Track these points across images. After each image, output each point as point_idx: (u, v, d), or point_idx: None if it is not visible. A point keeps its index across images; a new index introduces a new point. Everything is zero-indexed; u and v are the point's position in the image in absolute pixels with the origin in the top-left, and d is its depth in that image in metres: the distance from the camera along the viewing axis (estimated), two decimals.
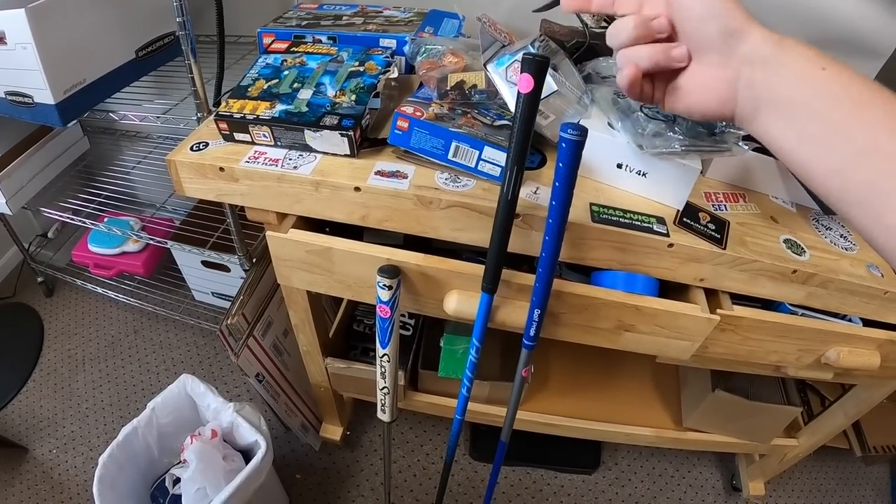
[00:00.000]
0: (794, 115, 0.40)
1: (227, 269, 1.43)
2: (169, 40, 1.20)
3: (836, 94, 0.37)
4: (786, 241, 0.75)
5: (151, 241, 1.40)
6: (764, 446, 1.18)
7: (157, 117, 1.07)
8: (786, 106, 0.40)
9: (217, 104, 0.97)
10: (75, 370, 1.55)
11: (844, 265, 0.75)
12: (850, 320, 0.84)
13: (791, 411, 1.08)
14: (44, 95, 0.99)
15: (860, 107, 0.36)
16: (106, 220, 1.52)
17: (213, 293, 1.56)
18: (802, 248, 0.75)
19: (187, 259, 1.47)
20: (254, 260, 1.25)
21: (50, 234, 1.72)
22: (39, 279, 1.71)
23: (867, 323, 0.82)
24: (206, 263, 1.44)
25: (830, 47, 0.97)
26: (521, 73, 0.53)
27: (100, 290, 1.64)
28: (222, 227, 1.35)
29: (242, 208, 0.77)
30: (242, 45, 1.27)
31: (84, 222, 1.42)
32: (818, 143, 0.38)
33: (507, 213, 0.60)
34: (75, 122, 1.33)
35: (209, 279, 1.51)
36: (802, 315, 0.81)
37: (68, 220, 1.45)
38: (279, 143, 0.72)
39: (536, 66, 0.53)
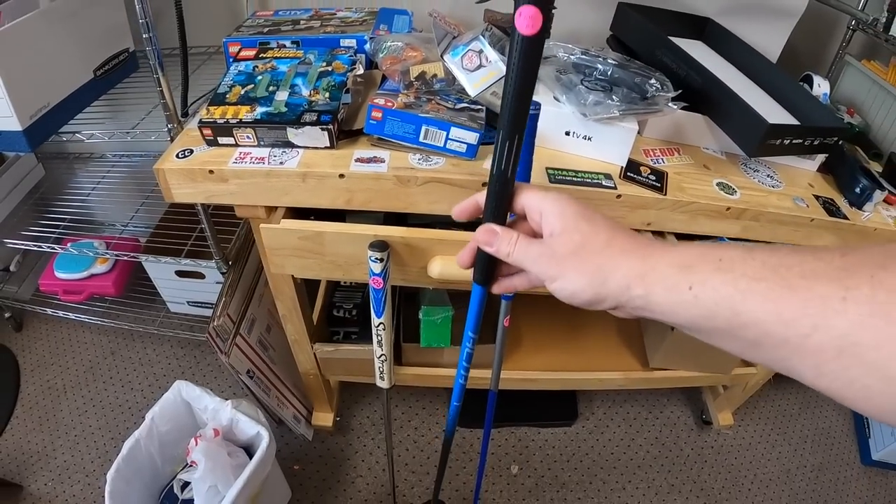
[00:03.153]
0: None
1: (201, 277, 1.46)
2: (123, 58, 1.23)
3: (713, 311, 0.35)
4: (718, 184, 0.87)
5: (125, 258, 1.42)
6: (726, 377, 1.31)
7: (127, 132, 1.10)
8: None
9: (185, 114, 1.02)
10: (57, 400, 1.54)
11: (772, 200, 0.87)
12: None
13: None
14: (10, 123, 1.00)
15: (737, 323, 0.34)
16: (70, 245, 1.52)
17: (188, 302, 1.59)
18: (733, 189, 0.87)
19: (161, 271, 1.49)
20: (230, 262, 1.30)
21: (12, 268, 1.69)
22: (6, 315, 1.68)
23: None
24: (180, 273, 1.47)
25: (747, 9, 1.09)
26: (523, 4, 0.38)
27: (72, 315, 1.63)
28: (192, 239, 1.39)
29: (215, 212, 0.82)
30: (196, 55, 1.31)
31: (53, 248, 1.42)
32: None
33: (500, 195, 0.46)
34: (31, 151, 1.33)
35: (184, 289, 1.53)
36: None
37: (33, 248, 1.45)
38: (262, 143, 0.78)
39: None
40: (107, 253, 1.44)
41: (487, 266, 0.49)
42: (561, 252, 0.42)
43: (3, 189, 1.49)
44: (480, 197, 0.48)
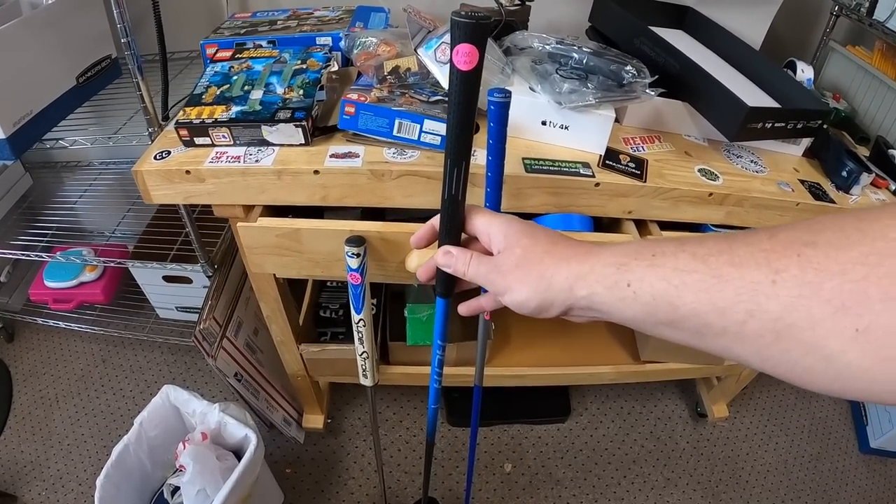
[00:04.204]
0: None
1: (189, 281, 1.46)
2: (106, 65, 1.23)
3: (653, 306, 0.37)
4: (700, 170, 0.86)
5: (112, 264, 1.42)
6: (719, 367, 1.30)
7: (109, 137, 1.10)
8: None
9: (166, 118, 1.02)
10: (50, 410, 1.54)
11: (756, 184, 0.87)
12: None
13: None
14: None
15: (678, 316, 0.36)
16: (58, 253, 1.52)
17: (177, 308, 1.59)
18: (716, 175, 0.86)
19: (149, 277, 1.49)
20: (215, 266, 1.29)
21: (2, 279, 1.69)
22: None
23: None
24: (167, 278, 1.47)
25: None
26: (459, 43, 0.40)
27: (62, 324, 1.63)
28: (178, 244, 1.39)
29: (200, 216, 0.82)
30: (176, 60, 1.31)
31: (42, 256, 1.42)
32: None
33: (452, 218, 0.49)
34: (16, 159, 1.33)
35: (172, 294, 1.53)
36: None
37: (22, 258, 1.45)
38: (238, 142, 0.78)
39: (477, 31, 0.40)
40: (95, 260, 1.43)
41: (446, 281, 0.53)
42: (505, 267, 0.45)
43: None
44: (436, 221, 0.52)
